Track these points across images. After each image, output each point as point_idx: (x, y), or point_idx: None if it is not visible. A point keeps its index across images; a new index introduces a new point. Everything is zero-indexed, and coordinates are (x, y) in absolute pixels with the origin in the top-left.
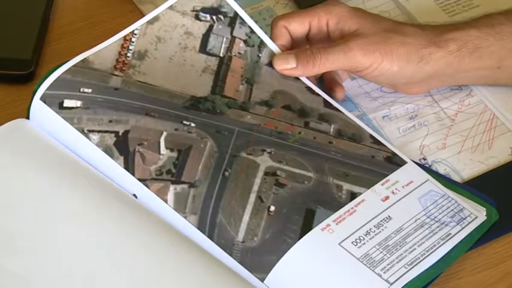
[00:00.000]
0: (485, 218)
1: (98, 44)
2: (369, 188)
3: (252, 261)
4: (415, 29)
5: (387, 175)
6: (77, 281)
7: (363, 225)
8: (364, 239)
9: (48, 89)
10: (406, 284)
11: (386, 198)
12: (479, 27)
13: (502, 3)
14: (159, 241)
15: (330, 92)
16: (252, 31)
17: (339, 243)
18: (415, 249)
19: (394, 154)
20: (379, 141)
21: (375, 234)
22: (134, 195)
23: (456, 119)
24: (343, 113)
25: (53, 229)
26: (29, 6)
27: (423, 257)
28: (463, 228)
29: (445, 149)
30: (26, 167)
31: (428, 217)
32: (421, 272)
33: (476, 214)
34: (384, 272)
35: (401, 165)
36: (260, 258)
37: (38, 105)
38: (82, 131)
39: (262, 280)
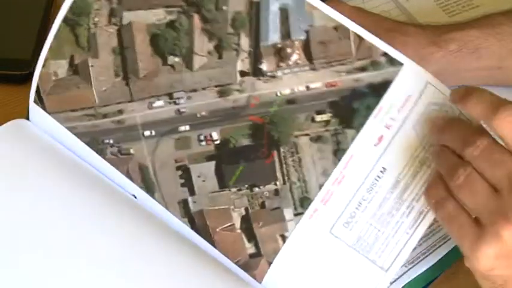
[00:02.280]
0: None
1: None
2: (358, 132)
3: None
4: (416, 28)
5: (379, 100)
6: (74, 280)
7: (353, 196)
8: (355, 215)
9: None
10: (406, 284)
11: (380, 139)
12: (479, 27)
13: (502, 4)
14: (158, 241)
15: None
16: None
17: (330, 231)
18: (411, 209)
19: (388, 56)
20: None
21: (368, 203)
22: (134, 195)
23: None
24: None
25: (52, 229)
26: (28, 6)
27: (423, 256)
28: None
29: None
30: (25, 167)
31: (427, 144)
32: (420, 272)
33: None
34: (379, 257)
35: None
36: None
37: (34, 108)
38: None
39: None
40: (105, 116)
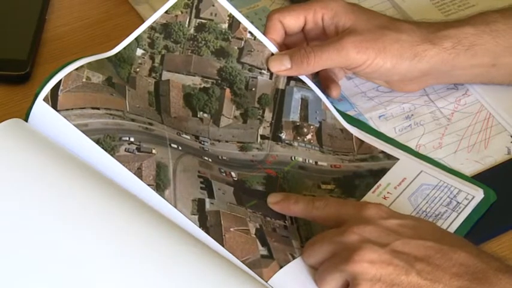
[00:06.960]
0: (483, 196)
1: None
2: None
3: None
4: (411, 25)
5: (377, 181)
6: (78, 277)
7: None
8: None
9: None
10: None
11: None
12: (474, 24)
13: (497, 2)
14: (162, 238)
15: (325, 90)
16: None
17: None
18: None
19: (385, 153)
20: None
21: None
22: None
23: (452, 119)
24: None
25: (53, 229)
26: (25, 7)
27: None
28: (459, 213)
29: (441, 148)
30: (21, 166)
31: (421, 213)
32: None
33: (474, 194)
34: None
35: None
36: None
37: (40, 107)
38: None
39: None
40: (133, 120)
